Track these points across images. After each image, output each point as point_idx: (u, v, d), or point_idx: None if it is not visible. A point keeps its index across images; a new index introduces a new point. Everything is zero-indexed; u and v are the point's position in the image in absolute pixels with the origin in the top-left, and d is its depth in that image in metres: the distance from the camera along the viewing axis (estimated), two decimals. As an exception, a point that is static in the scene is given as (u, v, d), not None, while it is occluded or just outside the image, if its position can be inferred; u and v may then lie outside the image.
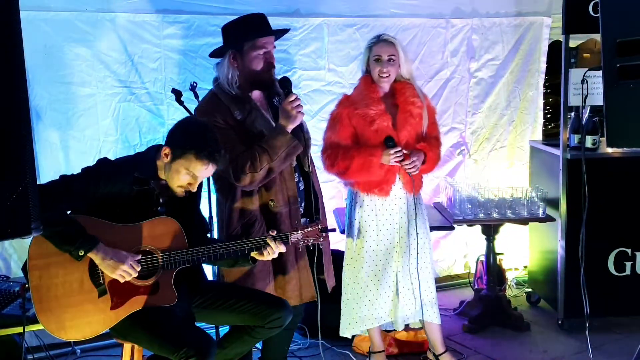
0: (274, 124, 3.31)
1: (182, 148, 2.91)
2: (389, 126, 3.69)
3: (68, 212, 2.92)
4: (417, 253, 3.80)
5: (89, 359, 4.20)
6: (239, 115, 3.24)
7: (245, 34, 3.25)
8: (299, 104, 3.24)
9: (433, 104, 4.12)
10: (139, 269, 2.88)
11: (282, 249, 3.04)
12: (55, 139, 4.15)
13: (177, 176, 2.94)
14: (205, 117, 3.19)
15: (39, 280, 2.85)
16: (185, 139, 2.94)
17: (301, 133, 3.31)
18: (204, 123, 3.05)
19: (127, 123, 4.28)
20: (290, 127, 3.24)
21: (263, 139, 3.24)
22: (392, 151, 3.62)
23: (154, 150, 3.03)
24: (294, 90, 3.34)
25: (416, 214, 3.81)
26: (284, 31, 3.53)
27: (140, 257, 2.91)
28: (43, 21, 4.00)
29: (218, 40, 4.42)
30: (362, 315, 3.86)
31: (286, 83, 3.29)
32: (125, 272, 2.84)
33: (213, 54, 3.41)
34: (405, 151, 3.67)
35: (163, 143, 3.04)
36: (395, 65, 3.71)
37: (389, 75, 3.71)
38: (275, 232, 3.05)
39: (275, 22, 4.53)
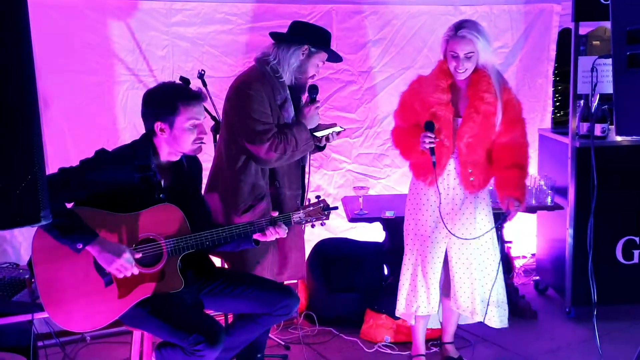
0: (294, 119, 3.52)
1: (170, 110, 2.94)
2: (446, 117, 3.48)
3: (70, 205, 2.93)
4: (466, 248, 3.66)
5: (99, 345, 4.22)
6: (279, 100, 3.42)
7: (323, 45, 3.47)
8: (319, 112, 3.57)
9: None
10: (133, 263, 2.87)
11: (284, 229, 3.09)
12: (64, 127, 4.16)
13: (185, 136, 2.97)
14: (254, 86, 3.34)
15: (45, 273, 2.86)
16: (163, 101, 2.96)
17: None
18: (159, 84, 3.10)
19: (135, 111, 4.26)
20: (309, 128, 3.50)
21: (291, 128, 3.42)
22: (422, 134, 3.44)
23: (147, 137, 3.04)
24: None
25: (471, 210, 3.63)
26: (339, 59, 3.72)
27: (140, 255, 2.91)
28: (51, 9, 4.00)
29: (226, 28, 4.45)
30: (403, 299, 3.79)
31: (315, 90, 3.51)
32: (122, 266, 2.84)
33: (273, 36, 3.51)
34: (436, 138, 3.43)
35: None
36: (474, 59, 3.43)
37: (466, 70, 3.45)
38: (277, 214, 3.09)
39: (283, 10, 4.56)
